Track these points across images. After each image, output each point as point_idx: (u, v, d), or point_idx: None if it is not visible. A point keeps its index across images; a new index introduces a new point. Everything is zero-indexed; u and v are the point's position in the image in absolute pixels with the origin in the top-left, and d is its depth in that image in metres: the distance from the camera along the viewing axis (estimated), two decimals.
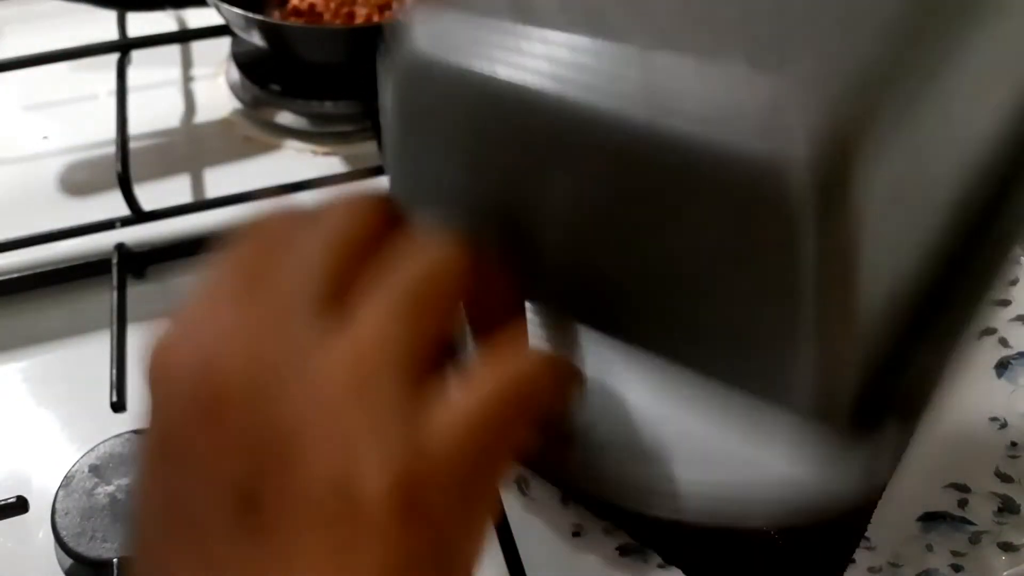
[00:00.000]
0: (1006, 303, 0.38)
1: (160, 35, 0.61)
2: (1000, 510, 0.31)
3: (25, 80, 0.59)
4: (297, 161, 0.55)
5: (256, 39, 0.54)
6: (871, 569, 0.30)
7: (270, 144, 0.57)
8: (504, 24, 0.19)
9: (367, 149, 0.56)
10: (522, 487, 0.31)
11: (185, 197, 0.52)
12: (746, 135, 0.16)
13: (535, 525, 0.33)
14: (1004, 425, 0.34)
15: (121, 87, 0.56)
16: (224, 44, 0.63)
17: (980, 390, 0.36)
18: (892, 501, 0.31)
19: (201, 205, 0.49)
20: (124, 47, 0.59)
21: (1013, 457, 0.33)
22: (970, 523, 0.31)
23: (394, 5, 0.57)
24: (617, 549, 0.30)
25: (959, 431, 0.35)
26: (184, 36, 0.62)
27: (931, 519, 0.32)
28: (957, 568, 0.30)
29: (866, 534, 0.31)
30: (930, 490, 0.33)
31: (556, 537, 0.30)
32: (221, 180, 0.54)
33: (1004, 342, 0.37)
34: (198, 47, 0.64)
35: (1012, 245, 0.21)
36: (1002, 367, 0.36)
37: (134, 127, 0.55)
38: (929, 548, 0.31)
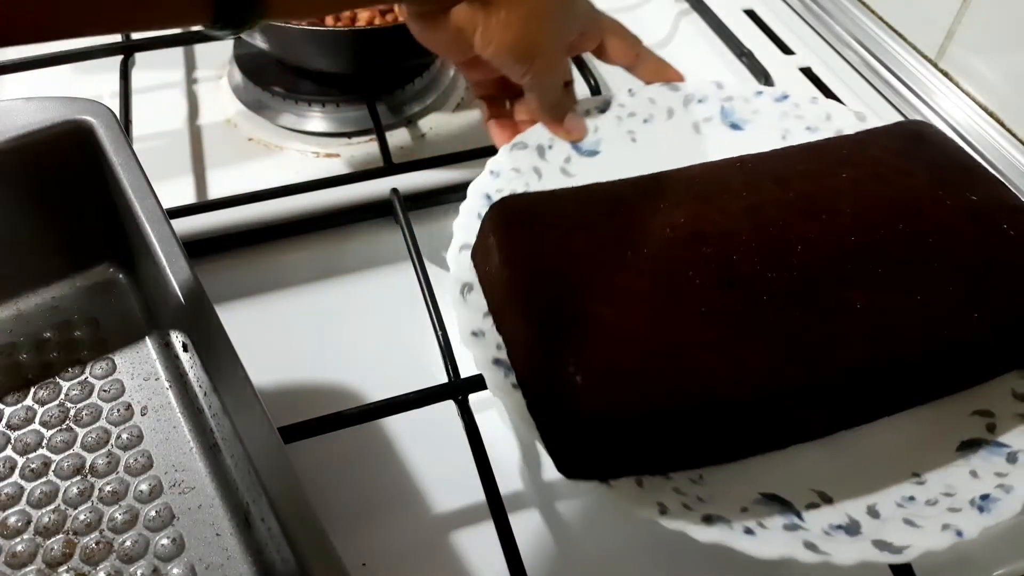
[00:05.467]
0: None
1: (163, 37, 0.61)
2: None
3: (29, 81, 0.60)
4: (300, 162, 0.56)
5: (259, 41, 0.54)
6: (928, 502, 0.32)
7: (272, 146, 0.57)
8: None
9: (369, 150, 0.56)
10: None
11: (188, 198, 0.53)
12: None
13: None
14: None
15: (125, 89, 0.57)
16: (227, 47, 0.63)
17: None
18: (928, 436, 0.34)
19: (204, 206, 0.50)
20: (128, 49, 0.60)
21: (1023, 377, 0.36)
22: (1004, 445, 0.34)
23: (396, 8, 0.58)
24: (703, 521, 0.31)
25: None
26: (187, 38, 0.62)
27: (967, 447, 0.34)
28: (1007, 488, 0.32)
29: (914, 471, 0.33)
30: (959, 420, 0.35)
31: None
32: (224, 181, 0.54)
33: None
34: (201, 49, 0.65)
35: None
36: None
37: (137, 129, 0.56)
38: (974, 474, 0.33)
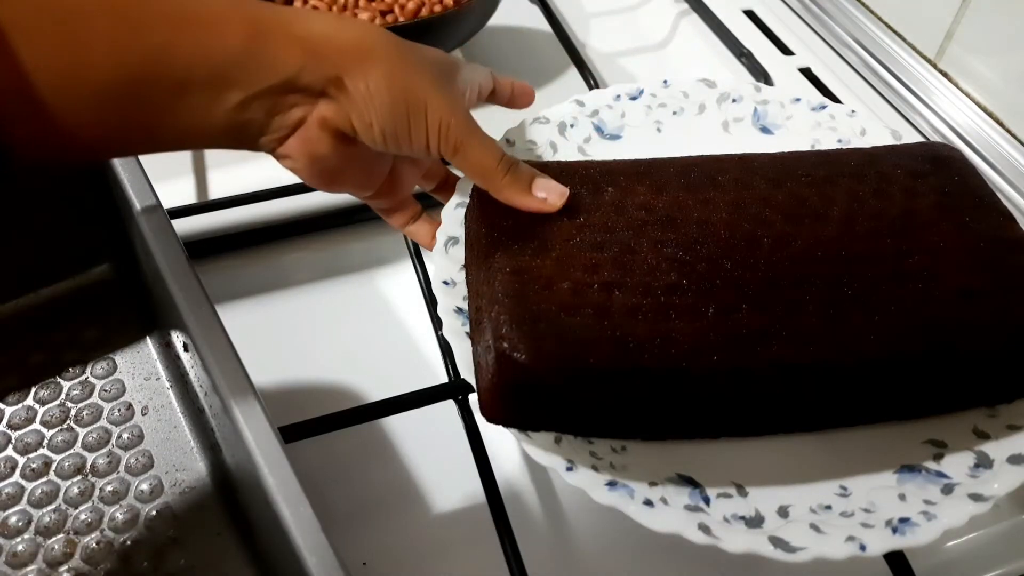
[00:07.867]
0: None
1: None
2: (976, 465, 0.33)
3: None
4: None
5: None
6: (843, 514, 0.32)
7: None
8: None
9: None
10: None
11: (189, 198, 0.53)
12: None
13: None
14: None
15: None
16: None
17: None
18: (870, 454, 0.33)
19: (205, 206, 0.50)
20: None
21: (992, 416, 0.34)
22: (944, 475, 0.33)
23: (395, 9, 0.58)
24: (607, 485, 0.32)
25: None
26: None
27: (906, 471, 0.33)
28: (930, 516, 0.31)
29: (842, 484, 0.33)
30: (907, 445, 0.34)
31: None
32: (224, 181, 0.54)
33: None
34: None
35: None
36: None
37: None
38: (902, 498, 0.32)
